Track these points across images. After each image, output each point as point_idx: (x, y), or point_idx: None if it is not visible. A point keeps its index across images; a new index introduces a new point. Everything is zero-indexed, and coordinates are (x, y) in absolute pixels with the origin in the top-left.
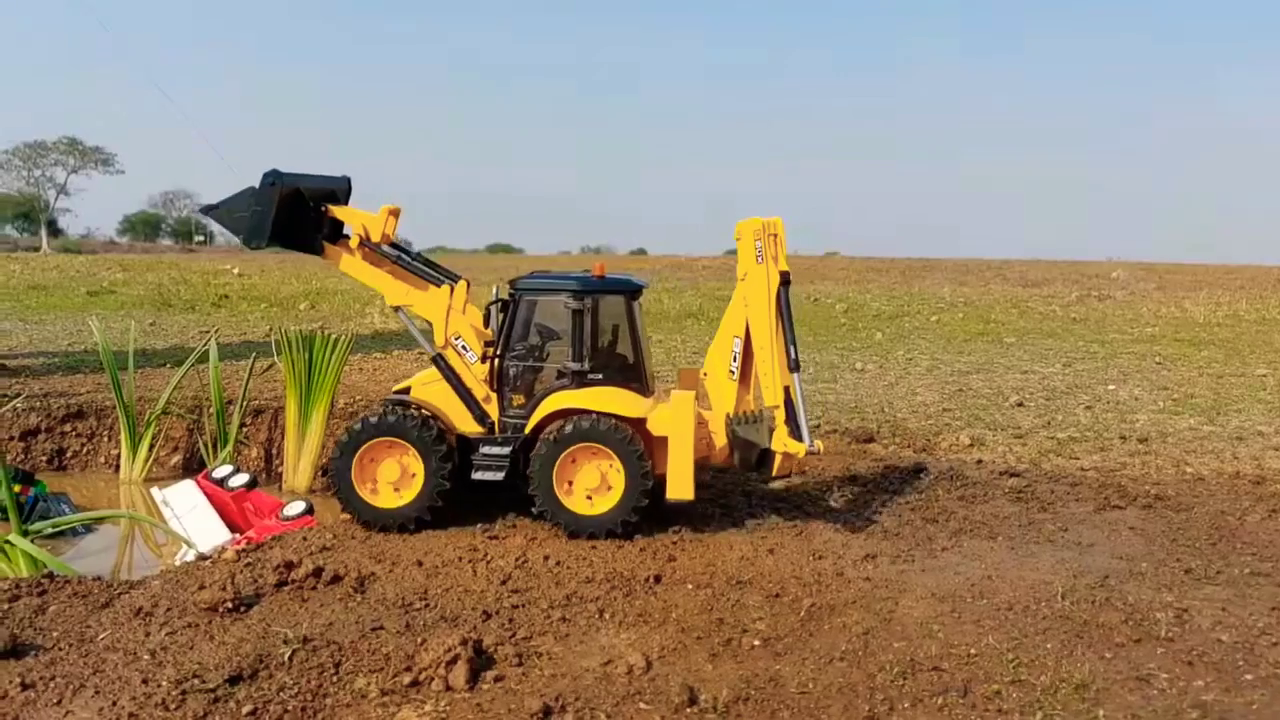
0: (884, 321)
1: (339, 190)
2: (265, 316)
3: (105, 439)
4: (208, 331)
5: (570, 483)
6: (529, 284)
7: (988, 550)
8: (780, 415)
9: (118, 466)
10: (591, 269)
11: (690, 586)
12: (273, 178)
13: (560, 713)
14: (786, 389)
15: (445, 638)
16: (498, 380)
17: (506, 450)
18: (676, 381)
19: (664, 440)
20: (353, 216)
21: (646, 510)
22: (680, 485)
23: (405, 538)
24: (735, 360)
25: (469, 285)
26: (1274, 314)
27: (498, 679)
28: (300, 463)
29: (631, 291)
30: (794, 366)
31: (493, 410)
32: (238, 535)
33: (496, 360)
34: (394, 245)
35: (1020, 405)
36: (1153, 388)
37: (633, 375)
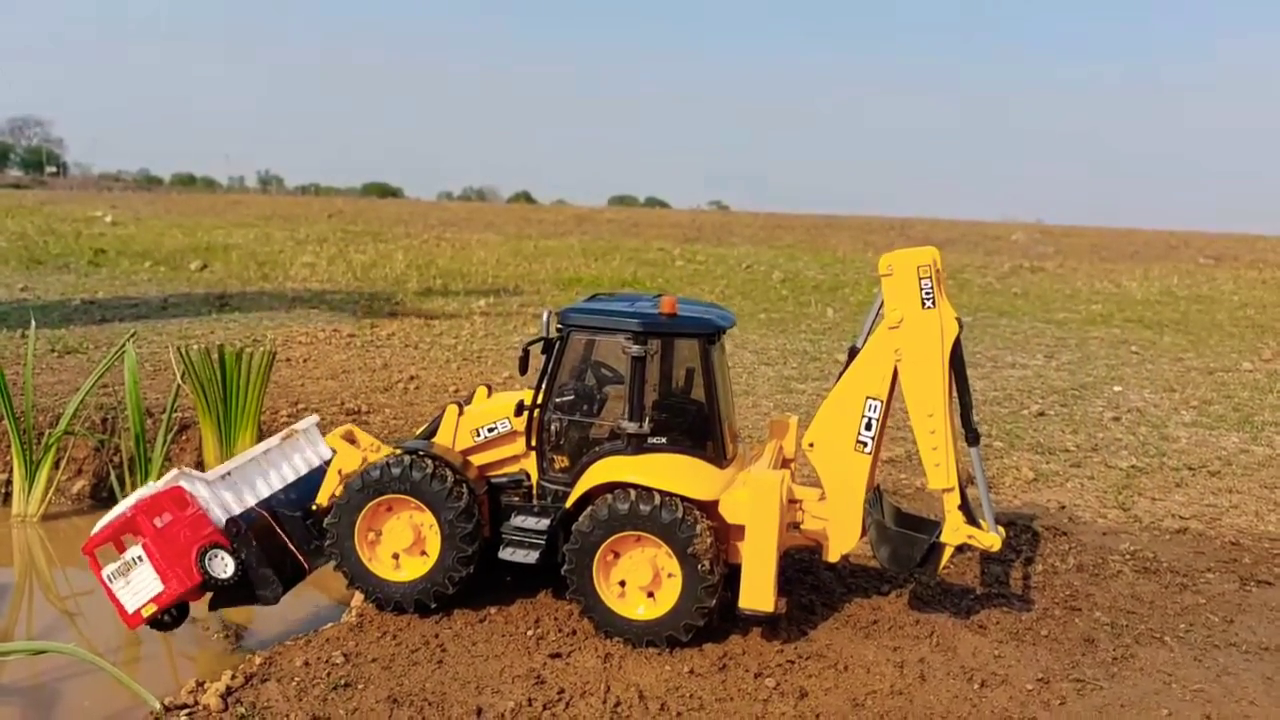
0: (825, 293)
1: None
2: (153, 278)
3: None
4: (93, 303)
5: (619, 579)
6: (579, 317)
7: (1171, 663)
8: (954, 500)
9: (6, 498)
10: (660, 302)
11: None
12: None
13: None
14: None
15: None
16: (537, 436)
17: (544, 524)
18: (766, 435)
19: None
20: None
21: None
22: (756, 593)
23: (436, 652)
24: (871, 429)
25: None
26: (1204, 290)
27: None
28: None
29: (710, 334)
30: (974, 439)
31: (530, 468)
32: None
33: (537, 411)
34: None
35: (1042, 415)
36: (1158, 389)
37: (705, 439)
